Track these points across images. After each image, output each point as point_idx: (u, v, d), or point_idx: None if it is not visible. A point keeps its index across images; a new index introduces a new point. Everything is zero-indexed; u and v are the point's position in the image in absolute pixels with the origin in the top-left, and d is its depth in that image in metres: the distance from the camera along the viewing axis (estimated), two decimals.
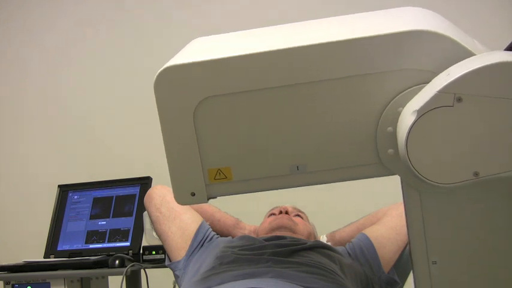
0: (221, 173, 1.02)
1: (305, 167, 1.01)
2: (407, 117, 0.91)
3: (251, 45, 1.00)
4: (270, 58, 0.96)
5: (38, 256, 2.29)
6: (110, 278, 2.21)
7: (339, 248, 1.63)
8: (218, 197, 1.07)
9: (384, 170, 1.01)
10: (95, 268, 2.02)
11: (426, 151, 0.90)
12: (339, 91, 0.97)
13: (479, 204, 1.00)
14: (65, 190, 2.40)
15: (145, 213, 1.92)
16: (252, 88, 0.98)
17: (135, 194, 2.30)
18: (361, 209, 1.84)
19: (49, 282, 2.00)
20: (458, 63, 0.92)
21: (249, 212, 1.91)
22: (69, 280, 2.00)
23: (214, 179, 1.02)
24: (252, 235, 1.68)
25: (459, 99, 0.87)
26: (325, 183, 1.03)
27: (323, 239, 1.78)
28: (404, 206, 1.02)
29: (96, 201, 2.35)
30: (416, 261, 1.02)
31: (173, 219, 1.71)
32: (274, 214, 1.75)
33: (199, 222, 1.71)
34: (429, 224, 1.00)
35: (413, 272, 1.04)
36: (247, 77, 0.97)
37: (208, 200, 1.04)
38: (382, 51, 0.95)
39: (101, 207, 2.33)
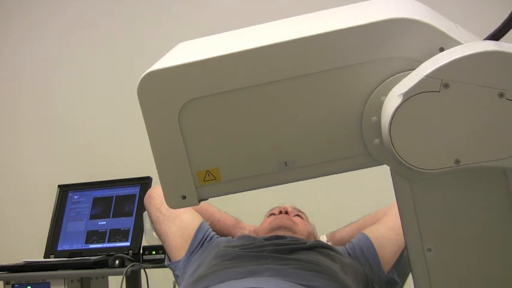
0: (210, 174, 1.02)
1: (293, 162, 1.01)
2: (392, 100, 0.91)
3: (231, 45, 1.00)
4: (249, 57, 0.97)
5: (38, 256, 2.29)
6: (110, 278, 2.21)
7: (339, 248, 1.63)
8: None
9: (372, 161, 1.01)
10: (95, 268, 2.03)
11: (409, 135, 0.89)
12: (321, 85, 0.98)
13: (469, 193, 1.00)
14: (65, 190, 2.40)
15: (145, 213, 1.92)
16: (234, 87, 0.98)
17: (135, 194, 2.30)
18: (361, 209, 1.84)
19: (49, 282, 2.00)
20: (448, 50, 0.92)
21: (249, 212, 1.91)
22: (69, 280, 2.01)
23: (204, 180, 1.02)
24: (252, 235, 1.68)
25: (446, 86, 0.87)
26: (314, 177, 1.03)
27: (323, 239, 1.78)
28: (396, 195, 1.02)
29: (96, 201, 2.35)
30: (411, 250, 1.03)
31: (173, 219, 1.71)
32: (274, 214, 1.75)
33: (199, 222, 1.71)
34: (421, 212, 1.01)
35: (409, 261, 1.04)
36: (228, 77, 0.98)
37: (199, 202, 1.04)
38: (360, 42, 0.95)
39: (101, 207, 2.33)
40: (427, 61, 0.92)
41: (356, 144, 1.00)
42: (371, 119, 0.98)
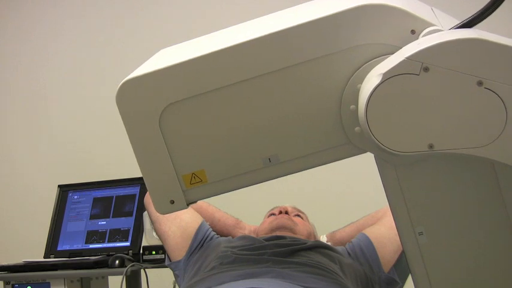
0: (196, 177, 1.03)
1: (277, 158, 1.02)
2: (370, 81, 0.91)
3: (204, 48, 1.01)
4: (221, 57, 0.97)
5: (38, 256, 2.29)
6: (110, 278, 2.21)
7: (339, 248, 1.63)
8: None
9: (355, 149, 1.01)
10: (95, 268, 2.02)
11: (385, 117, 0.89)
12: (296, 78, 0.98)
13: (457, 178, 1.01)
14: (65, 190, 2.40)
15: (145, 213, 1.92)
16: (210, 88, 0.99)
17: (135, 194, 2.30)
18: (361, 209, 1.84)
19: (49, 282, 2.00)
20: (431, 34, 0.92)
21: (249, 212, 1.91)
22: (69, 280, 2.00)
23: (190, 183, 1.03)
24: (252, 235, 1.68)
25: (426, 69, 0.87)
26: (300, 171, 1.04)
27: (323, 239, 1.78)
28: (382, 181, 1.03)
29: (96, 201, 2.34)
30: (403, 235, 1.03)
31: (173, 219, 1.71)
32: (274, 214, 1.75)
33: (200, 222, 1.71)
34: (409, 196, 1.01)
35: (403, 247, 1.04)
36: (203, 79, 0.98)
37: (188, 205, 1.05)
38: (328, 32, 0.96)
39: (101, 207, 2.32)
40: (409, 44, 0.92)
41: (337, 134, 1.00)
42: (349, 107, 0.98)
